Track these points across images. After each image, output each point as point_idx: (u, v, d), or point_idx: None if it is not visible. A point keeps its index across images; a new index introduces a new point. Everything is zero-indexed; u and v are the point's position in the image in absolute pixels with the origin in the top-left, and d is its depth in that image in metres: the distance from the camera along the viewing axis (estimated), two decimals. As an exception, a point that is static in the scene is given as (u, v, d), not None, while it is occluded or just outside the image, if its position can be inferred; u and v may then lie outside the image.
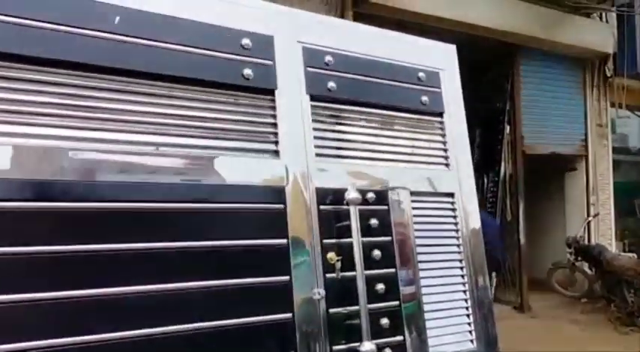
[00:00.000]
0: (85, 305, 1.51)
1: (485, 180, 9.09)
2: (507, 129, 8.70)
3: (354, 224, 1.92)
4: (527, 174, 8.81)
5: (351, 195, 1.94)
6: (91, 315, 1.52)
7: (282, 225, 1.85)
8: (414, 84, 2.34)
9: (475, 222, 2.37)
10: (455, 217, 2.31)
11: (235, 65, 1.88)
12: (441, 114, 2.40)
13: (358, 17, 6.29)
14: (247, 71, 1.89)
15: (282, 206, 1.86)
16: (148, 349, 1.57)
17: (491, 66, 8.87)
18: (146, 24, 1.73)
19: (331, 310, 1.89)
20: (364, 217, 2.03)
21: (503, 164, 8.70)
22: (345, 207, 1.95)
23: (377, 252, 2.04)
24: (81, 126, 1.61)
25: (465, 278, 2.27)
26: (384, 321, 2.00)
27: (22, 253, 1.45)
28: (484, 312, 2.28)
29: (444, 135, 2.39)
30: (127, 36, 1.69)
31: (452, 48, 2.53)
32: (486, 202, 8.73)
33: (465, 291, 2.26)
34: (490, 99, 8.88)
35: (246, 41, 1.91)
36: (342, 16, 6.15)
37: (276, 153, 1.91)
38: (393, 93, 2.26)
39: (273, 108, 1.94)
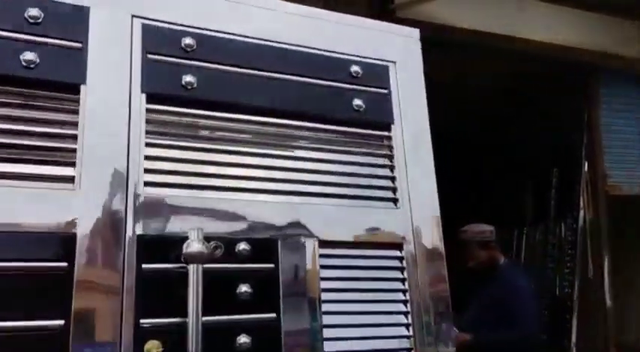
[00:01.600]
0: None
1: (563, 228, 7.85)
2: (586, 165, 7.47)
3: (192, 292, 1.18)
4: (612, 219, 7.49)
5: (192, 247, 1.21)
6: None
7: (62, 297, 1.13)
8: (342, 81, 1.59)
9: (440, 289, 1.53)
10: (403, 281, 1.50)
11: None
12: (386, 126, 1.62)
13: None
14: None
15: (65, 264, 1.15)
16: None
17: (565, 91, 7.75)
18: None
19: None
20: (230, 281, 1.29)
21: (582, 208, 7.45)
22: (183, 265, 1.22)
23: (244, 340, 1.26)
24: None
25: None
26: None
27: None
28: None
29: (390, 157, 1.60)
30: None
31: (413, 32, 1.75)
32: (565, 255, 7.48)
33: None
34: (565, 131, 7.72)
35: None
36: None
37: (69, 179, 1.22)
38: (303, 96, 1.52)
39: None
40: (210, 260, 1.24)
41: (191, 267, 1.20)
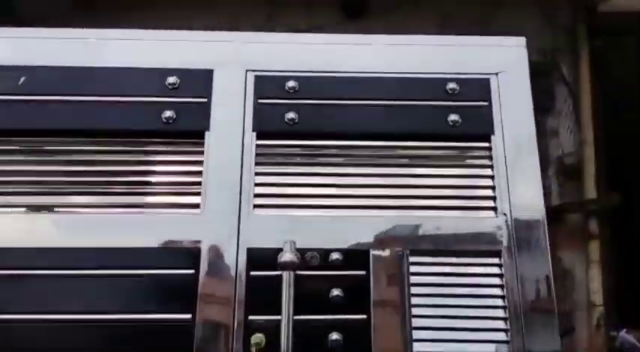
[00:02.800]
0: None
1: None
2: None
3: (285, 295, 1.42)
4: None
5: (285, 256, 1.45)
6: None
7: (189, 295, 1.48)
8: (438, 100, 1.69)
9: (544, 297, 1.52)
10: (502, 287, 1.52)
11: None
12: (485, 137, 1.66)
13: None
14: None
15: (191, 271, 1.50)
16: None
17: None
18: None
19: None
20: (323, 286, 1.50)
21: None
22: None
23: (336, 337, 1.46)
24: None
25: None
26: None
27: None
28: None
29: (490, 166, 1.64)
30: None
31: (518, 41, 1.76)
32: None
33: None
34: None
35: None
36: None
37: (195, 206, 1.57)
38: (396, 117, 1.67)
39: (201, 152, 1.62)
40: (303, 267, 1.47)
41: (284, 274, 1.44)
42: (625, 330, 3.41)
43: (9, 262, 1.48)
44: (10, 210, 1.55)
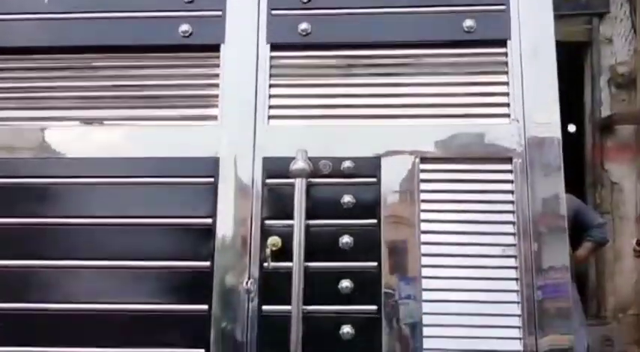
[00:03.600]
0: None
1: None
2: None
3: (298, 202, 1.50)
4: None
5: (297, 165, 1.52)
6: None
7: (209, 201, 1.58)
8: (453, 4, 1.65)
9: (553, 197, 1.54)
10: (512, 193, 1.55)
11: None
12: (501, 42, 1.63)
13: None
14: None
15: (211, 179, 1.59)
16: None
17: None
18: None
19: (265, 307, 1.53)
20: (334, 192, 1.57)
21: None
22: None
23: (346, 240, 1.54)
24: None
25: (518, 283, 1.51)
26: (346, 330, 1.50)
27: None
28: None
29: (504, 73, 1.62)
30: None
31: None
32: None
33: (517, 303, 1.51)
34: None
35: None
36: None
37: (214, 117, 1.64)
38: (409, 25, 1.65)
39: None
40: (315, 175, 1.53)
41: (297, 181, 1.51)
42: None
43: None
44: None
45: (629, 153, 5.22)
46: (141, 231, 1.59)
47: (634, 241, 4.12)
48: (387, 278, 1.52)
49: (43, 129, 1.66)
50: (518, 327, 1.49)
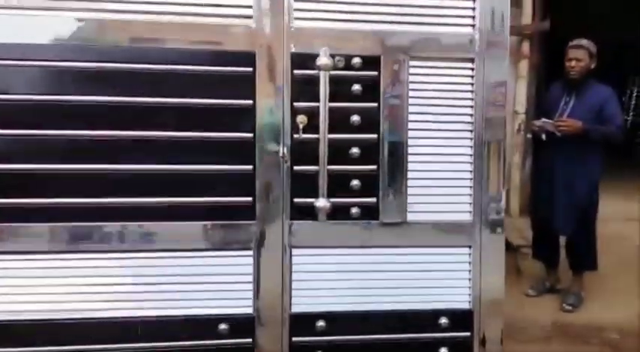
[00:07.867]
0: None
1: None
2: None
3: (322, 89, 1.96)
4: None
5: (321, 60, 1.96)
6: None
7: (249, 87, 1.99)
8: None
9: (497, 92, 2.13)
10: (472, 85, 2.12)
11: None
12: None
13: None
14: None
15: (250, 69, 2.00)
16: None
17: None
18: None
19: (296, 168, 2.03)
20: (347, 83, 2.05)
21: None
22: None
23: (355, 118, 2.05)
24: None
25: (471, 154, 2.13)
26: (355, 182, 2.06)
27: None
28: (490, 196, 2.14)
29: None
30: None
31: None
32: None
33: (469, 169, 2.14)
34: None
35: None
36: None
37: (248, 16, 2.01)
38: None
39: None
40: (334, 69, 1.99)
41: (321, 73, 1.96)
42: (543, 119, 4.30)
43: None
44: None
45: (511, 60, 6.12)
46: (196, 110, 1.99)
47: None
48: (384, 145, 2.08)
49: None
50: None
